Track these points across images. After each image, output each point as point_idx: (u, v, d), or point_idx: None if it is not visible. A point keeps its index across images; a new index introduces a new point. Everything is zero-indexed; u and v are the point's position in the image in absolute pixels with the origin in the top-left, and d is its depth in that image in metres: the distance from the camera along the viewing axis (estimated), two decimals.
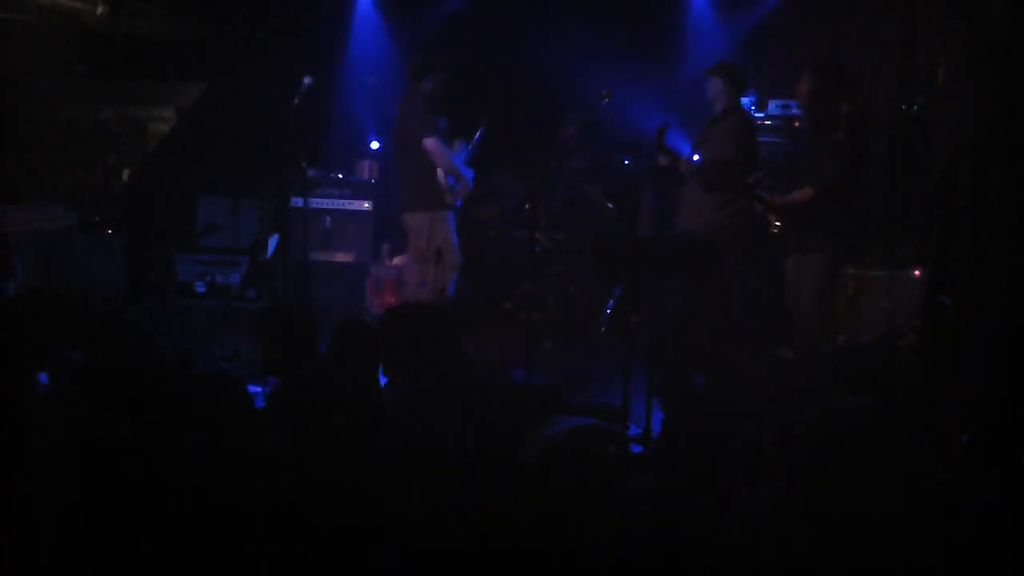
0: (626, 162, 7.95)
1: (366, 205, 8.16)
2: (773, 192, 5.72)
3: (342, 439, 2.89)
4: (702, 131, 6.24)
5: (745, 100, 7.28)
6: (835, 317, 5.65)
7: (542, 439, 2.85)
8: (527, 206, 5.47)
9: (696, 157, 5.99)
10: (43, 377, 4.14)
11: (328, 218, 8.11)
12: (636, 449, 4.66)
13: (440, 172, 6.71)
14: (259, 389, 5.02)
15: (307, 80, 6.28)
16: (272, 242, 8.06)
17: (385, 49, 8.55)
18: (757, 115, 7.42)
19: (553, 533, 2.52)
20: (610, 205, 7.64)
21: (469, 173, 6.94)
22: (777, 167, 6.82)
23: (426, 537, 2.58)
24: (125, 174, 8.65)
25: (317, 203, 7.96)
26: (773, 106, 7.46)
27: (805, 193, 5.39)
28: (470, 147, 7.03)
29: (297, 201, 7.58)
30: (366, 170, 8.33)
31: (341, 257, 8.17)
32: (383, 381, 3.80)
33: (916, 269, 6.40)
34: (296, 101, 6.19)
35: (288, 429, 3.06)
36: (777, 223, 5.53)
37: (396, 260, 7.97)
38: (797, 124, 7.31)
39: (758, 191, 5.57)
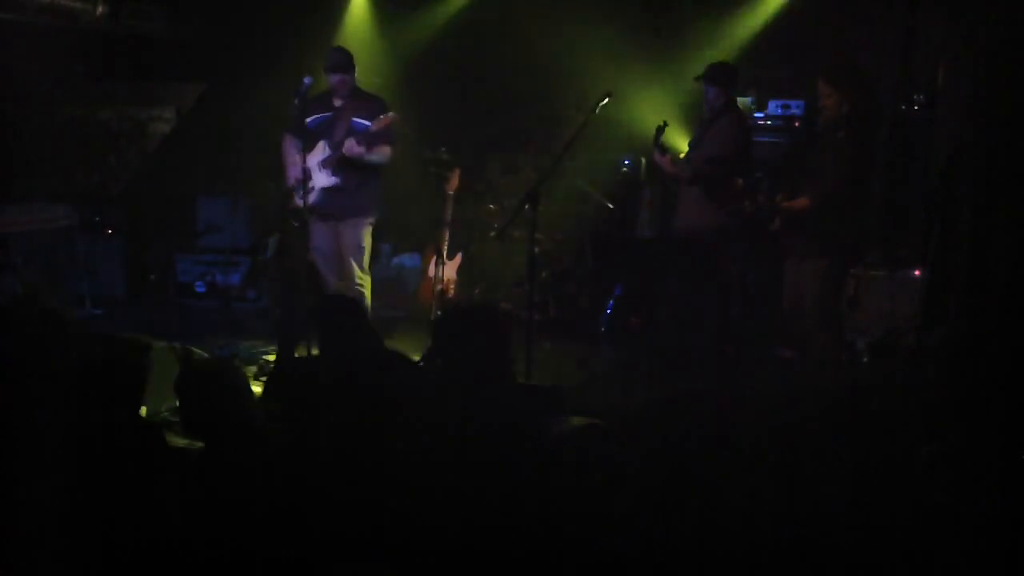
0: (626, 163, 7.95)
1: None
2: (775, 192, 5.71)
3: (340, 435, 2.89)
4: (698, 131, 6.24)
5: (745, 100, 7.29)
6: (837, 318, 5.63)
7: (543, 439, 2.85)
8: (527, 206, 5.45)
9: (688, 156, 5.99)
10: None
11: None
12: None
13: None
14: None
15: (307, 80, 6.26)
16: (272, 242, 8.06)
17: (385, 49, 8.55)
18: (757, 115, 7.42)
19: (553, 533, 2.52)
20: (610, 205, 7.64)
21: (323, 177, 6.34)
22: (777, 167, 6.81)
23: (426, 537, 2.58)
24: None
25: None
26: (773, 106, 7.45)
27: (800, 203, 5.40)
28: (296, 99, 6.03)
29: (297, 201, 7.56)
30: None
31: None
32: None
33: (916, 269, 6.40)
34: (296, 101, 6.17)
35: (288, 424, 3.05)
36: (776, 223, 5.53)
37: (395, 260, 7.99)
38: (797, 124, 7.31)
39: (763, 195, 5.56)
